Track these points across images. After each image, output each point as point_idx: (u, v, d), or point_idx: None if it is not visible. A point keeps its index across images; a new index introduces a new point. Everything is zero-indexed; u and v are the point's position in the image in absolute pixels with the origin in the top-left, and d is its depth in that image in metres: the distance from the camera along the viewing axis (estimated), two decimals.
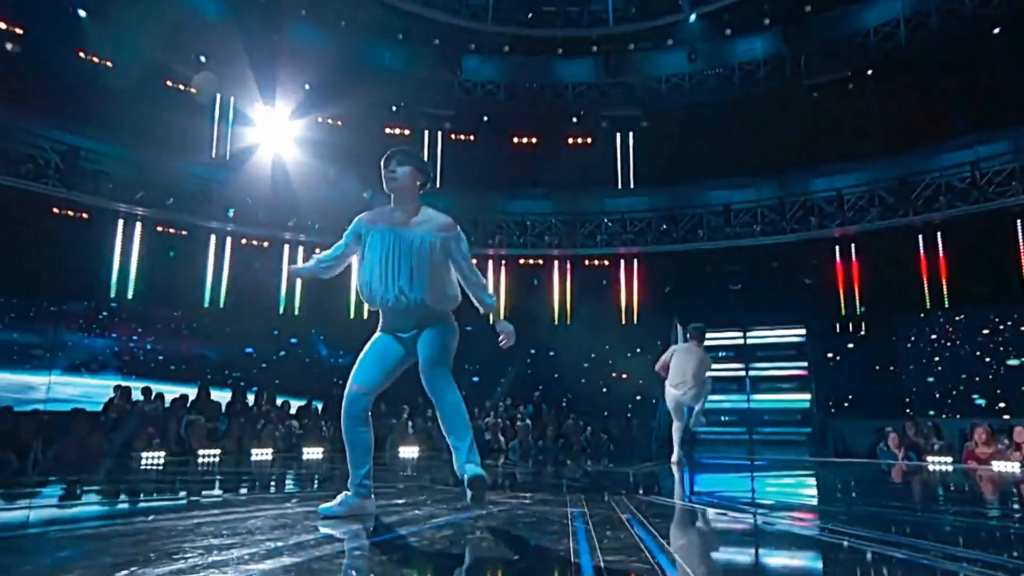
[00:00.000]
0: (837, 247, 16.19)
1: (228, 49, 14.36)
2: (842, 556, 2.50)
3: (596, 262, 17.69)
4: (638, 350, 16.73)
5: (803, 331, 16.74)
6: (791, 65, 15.96)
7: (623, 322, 17.51)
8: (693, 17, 15.36)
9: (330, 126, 16.39)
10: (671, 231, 16.65)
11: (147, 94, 13.96)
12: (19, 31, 12.91)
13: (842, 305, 16.32)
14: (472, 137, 17.86)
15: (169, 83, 14.82)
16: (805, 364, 16.55)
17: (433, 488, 4.46)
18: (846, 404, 16.01)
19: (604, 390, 16.76)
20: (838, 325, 16.41)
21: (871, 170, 15.46)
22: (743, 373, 17.69)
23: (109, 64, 13.87)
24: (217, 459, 9.02)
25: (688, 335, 8.97)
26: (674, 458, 8.59)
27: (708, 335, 17.78)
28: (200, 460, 8.87)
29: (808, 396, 16.22)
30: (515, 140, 17.97)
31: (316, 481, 5.28)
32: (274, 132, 15.30)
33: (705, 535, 3.26)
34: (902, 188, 14.96)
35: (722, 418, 17.60)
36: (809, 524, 3.42)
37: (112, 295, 14.14)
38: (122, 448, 8.99)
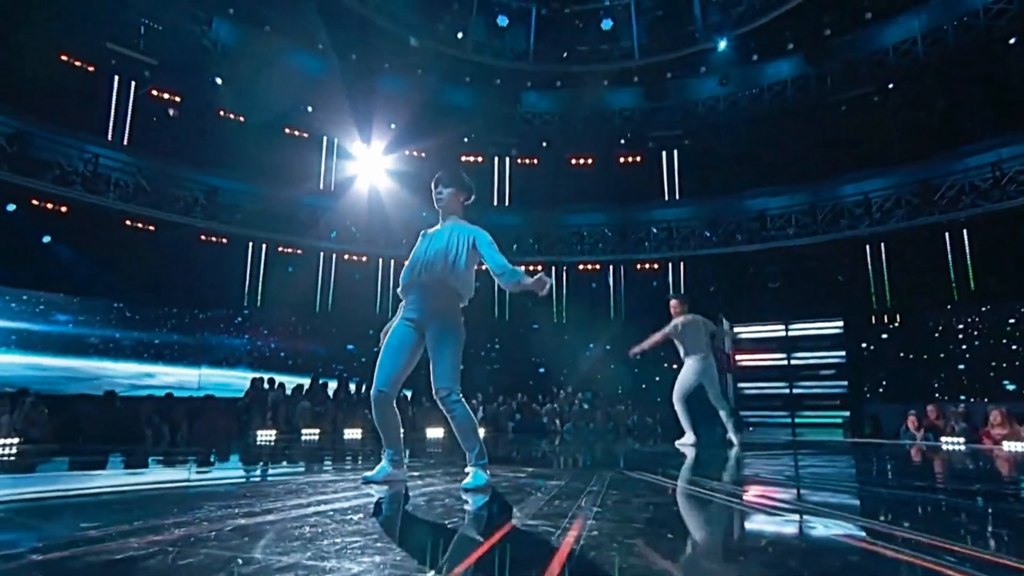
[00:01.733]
0: (868, 246, 17.64)
1: (331, 98, 17.41)
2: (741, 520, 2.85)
3: (647, 266, 19.77)
4: None
5: (840, 324, 18.24)
6: (816, 83, 17.61)
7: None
8: (723, 45, 17.31)
9: (414, 158, 19.25)
10: (712, 237, 18.50)
11: (269, 140, 17.22)
12: (178, 99, 16.44)
13: (874, 299, 17.73)
14: (535, 161, 20.37)
15: (287, 130, 18.07)
16: (843, 354, 18.05)
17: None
18: (880, 390, 17.38)
19: (657, 379, 18.70)
20: (873, 317, 17.78)
21: (896, 175, 16.84)
22: (785, 362, 19.35)
23: (241, 119, 17.21)
24: (316, 437, 10.35)
25: (680, 303, 8.52)
26: (688, 439, 8.16)
27: (753, 329, 19.67)
28: (303, 437, 10.22)
29: (845, 383, 17.71)
30: (572, 161, 20.34)
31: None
32: (369, 165, 18.29)
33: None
34: (926, 190, 16.27)
35: (766, 403, 19.37)
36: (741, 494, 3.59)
37: (245, 304, 17.40)
38: (245, 427, 11.26)
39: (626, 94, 19.37)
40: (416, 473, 4.16)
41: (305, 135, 18.40)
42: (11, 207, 14.45)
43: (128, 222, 15.78)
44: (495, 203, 20.28)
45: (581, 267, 20.11)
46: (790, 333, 19.39)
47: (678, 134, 19.09)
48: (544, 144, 19.78)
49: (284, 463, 5.99)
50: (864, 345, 17.70)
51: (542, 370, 18.21)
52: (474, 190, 4.03)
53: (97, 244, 15.25)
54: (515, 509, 2.78)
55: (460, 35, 16.89)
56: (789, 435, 16.31)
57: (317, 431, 11.42)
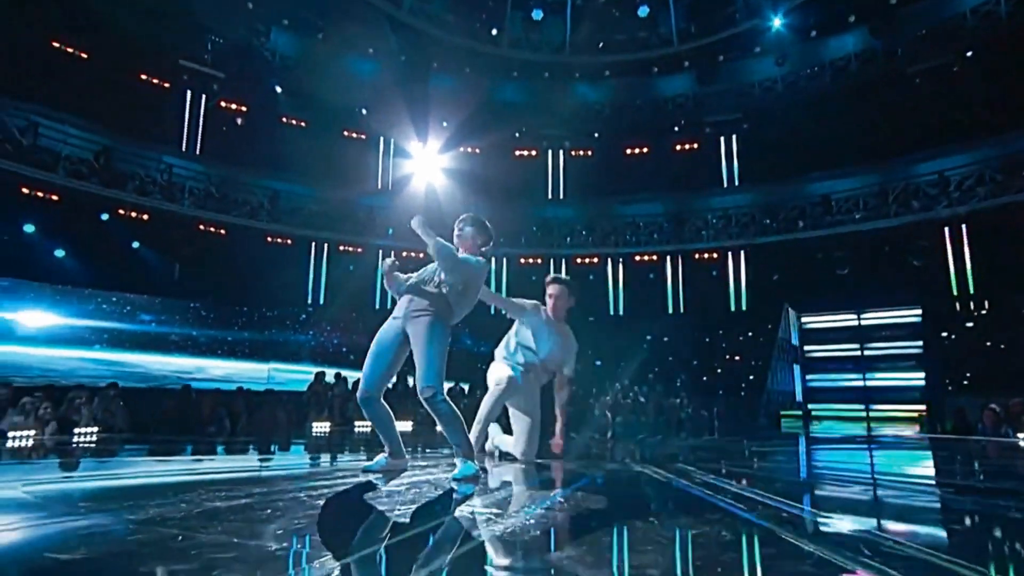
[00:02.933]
0: (947, 228, 16.45)
1: (385, 99, 17.96)
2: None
3: (705, 256, 19.24)
4: (749, 334, 18.09)
5: (918, 312, 17.13)
6: (884, 56, 16.55)
7: (732, 309, 18.87)
8: (778, 23, 16.55)
9: (468, 155, 19.56)
10: (773, 224, 17.78)
11: (329, 143, 17.97)
12: (243, 108, 17.46)
13: (955, 285, 16.51)
14: (589, 152, 20.21)
15: (345, 132, 18.80)
16: (920, 344, 16.94)
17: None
18: (964, 382, 16.19)
19: (718, 371, 18.22)
20: (957, 305, 16.57)
21: (977, 150, 15.63)
22: (858, 353, 18.36)
23: (303, 124, 18.05)
24: (368, 428, 11.52)
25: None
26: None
27: (822, 318, 18.77)
28: (356, 429, 10.44)
29: (922, 375, 16.61)
30: (628, 151, 20.03)
31: (418, 446, 5.74)
32: (424, 163, 18.74)
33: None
34: (1011, 165, 15.04)
35: (838, 395, 18.49)
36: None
37: (308, 302, 18.24)
38: (302, 419, 11.65)
39: (678, 80, 18.95)
40: (425, 464, 4.28)
41: (362, 137, 19.07)
42: (104, 216, 15.81)
43: (201, 227, 16.89)
44: (549, 196, 20.28)
45: (637, 258, 19.81)
46: (863, 322, 18.40)
47: (735, 118, 18.48)
48: (596, 135, 19.58)
49: (309, 453, 6.24)
50: (944, 334, 16.53)
51: (598, 363, 18.07)
52: (493, 239, 4.04)
53: (175, 248, 16.44)
54: (474, 497, 2.90)
55: (495, 32, 16.97)
56: (863, 430, 15.57)
57: (369, 423, 11.88)
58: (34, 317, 14.64)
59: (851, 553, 1.88)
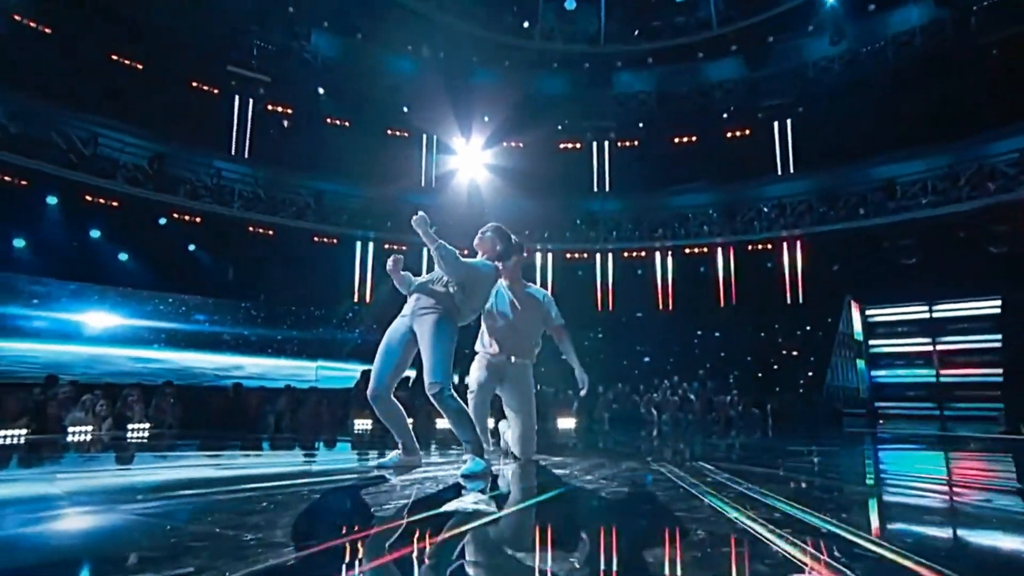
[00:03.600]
0: None
1: (426, 97, 17.94)
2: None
3: (759, 247, 18.37)
4: (807, 328, 17.16)
5: (997, 302, 15.84)
6: (954, 28, 15.32)
7: (788, 302, 17.95)
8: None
9: (512, 149, 19.34)
10: (831, 211, 16.80)
11: (372, 142, 18.11)
12: (289, 110, 17.81)
13: None
14: (635, 143, 19.62)
15: (388, 131, 18.91)
16: (999, 337, 15.64)
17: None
18: None
19: (774, 367, 17.37)
20: None
21: None
22: (930, 348, 17.14)
23: (347, 124, 18.26)
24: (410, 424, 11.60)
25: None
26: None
27: (889, 311, 17.62)
28: None
29: (1000, 371, 15.32)
30: (675, 141, 19.32)
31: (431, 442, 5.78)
32: (467, 159, 18.65)
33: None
34: None
35: (908, 393, 17.33)
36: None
37: (355, 300, 18.46)
38: (344, 416, 11.75)
39: (725, 65, 18.17)
40: (441, 460, 4.35)
41: (405, 134, 19.11)
42: (162, 221, 16.44)
43: (251, 228, 17.33)
44: (595, 189, 19.80)
45: (687, 251, 19.12)
46: (935, 315, 17.17)
47: (789, 102, 17.51)
48: (641, 125, 18.99)
49: (332, 451, 6.34)
50: None
51: (647, 359, 17.57)
52: (516, 250, 4.16)
53: (227, 250, 16.93)
54: (472, 493, 2.89)
55: (526, 24, 16.63)
56: (937, 429, 14.54)
57: (409, 421, 11.91)
58: (99, 318, 15.35)
59: None
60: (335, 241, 18.33)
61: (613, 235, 18.82)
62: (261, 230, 17.42)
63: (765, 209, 17.90)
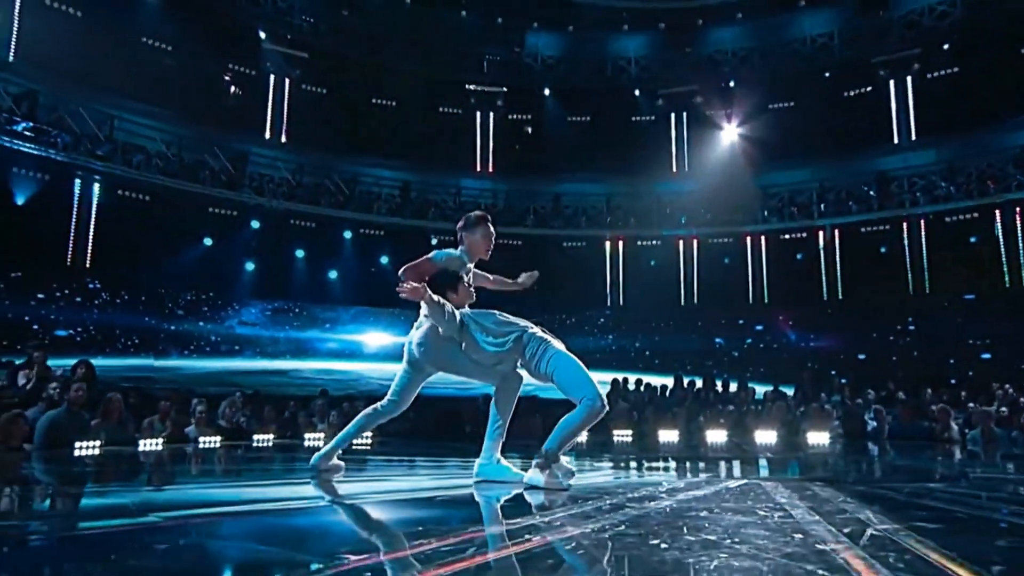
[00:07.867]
0: None
1: (664, 75, 16.06)
2: None
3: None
4: None
5: None
6: None
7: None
8: None
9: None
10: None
11: (617, 133, 16.99)
12: (528, 116, 17.76)
13: None
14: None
15: (633, 118, 17.49)
16: None
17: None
18: None
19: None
20: None
21: None
22: None
23: (587, 119, 17.49)
24: (628, 437, 9.94)
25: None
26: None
27: None
28: (614, 437, 9.70)
29: None
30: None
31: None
32: (727, 134, 16.48)
33: None
34: None
35: None
36: None
37: (608, 303, 17.27)
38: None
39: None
40: None
41: (651, 118, 17.38)
42: (434, 242, 17.43)
43: (500, 241, 17.35)
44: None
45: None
46: None
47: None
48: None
49: None
50: None
51: (986, 355, 12.93)
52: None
53: (484, 267, 17.16)
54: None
55: None
56: None
57: (629, 432, 10.42)
58: (376, 338, 16.85)
59: None
60: (583, 244, 17.46)
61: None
62: (505, 241, 17.32)
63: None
